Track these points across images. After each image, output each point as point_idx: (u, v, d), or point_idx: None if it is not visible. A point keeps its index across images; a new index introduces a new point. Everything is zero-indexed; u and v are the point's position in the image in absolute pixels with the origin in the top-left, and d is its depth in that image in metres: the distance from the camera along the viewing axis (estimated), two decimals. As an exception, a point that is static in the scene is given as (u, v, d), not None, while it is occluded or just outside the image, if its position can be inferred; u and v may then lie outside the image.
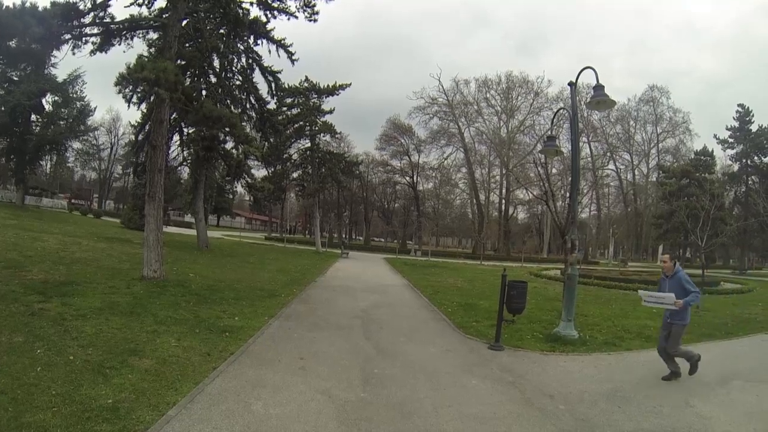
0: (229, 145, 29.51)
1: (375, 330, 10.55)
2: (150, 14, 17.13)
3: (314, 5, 18.76)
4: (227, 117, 14.47)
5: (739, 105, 62.23)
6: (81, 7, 14.25)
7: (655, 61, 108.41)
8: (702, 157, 59.09)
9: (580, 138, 62.47)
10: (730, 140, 62.05)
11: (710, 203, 24.92)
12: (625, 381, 7.67)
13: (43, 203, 56.70)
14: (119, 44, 16.67)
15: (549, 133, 14.89)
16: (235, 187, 62.33)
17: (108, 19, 15.22)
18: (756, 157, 60.39)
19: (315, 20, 18.93)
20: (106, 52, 16.54)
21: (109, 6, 15.05)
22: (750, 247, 62.11)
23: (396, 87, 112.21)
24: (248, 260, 25.00)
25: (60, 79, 44.19)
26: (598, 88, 10.09)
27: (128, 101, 26.85)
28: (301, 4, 18.72)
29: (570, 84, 11.36)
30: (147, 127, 28.04)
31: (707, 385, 7.55)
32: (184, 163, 35.33)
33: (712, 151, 60.64)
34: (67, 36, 14.95)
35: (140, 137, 29.60)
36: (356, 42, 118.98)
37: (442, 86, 67.90)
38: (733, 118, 62.07)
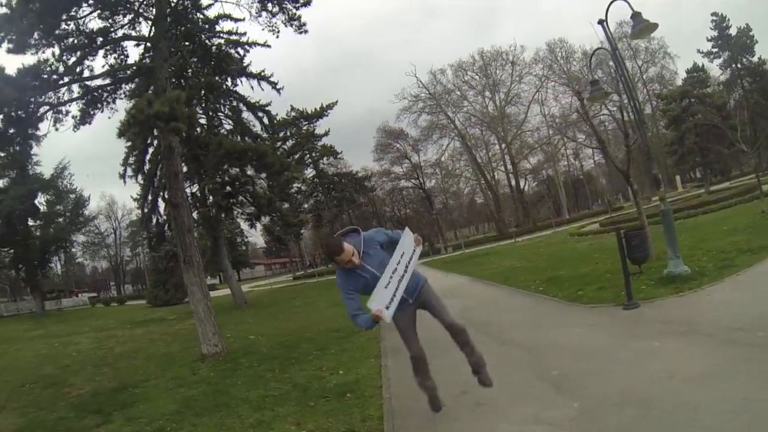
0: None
1: (496, 331, 8.98)
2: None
3: (299, 17, 17.40)
4: (253, 148, 12.74)
5: (712, 14, 62.36)
6: (54, 69, 12.77)
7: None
8: (695, 74, 57.35)
9: (568, 92, 61.56)
10: (714, 50, 62.01)
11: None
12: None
13: (64, 304, 55.40)
14: (102, 110, 15.55)
15: (591, 78, 13.61)
16: (247, 238, 60.38)
17: (87, 73, 13.79)
18: (744, 59, 60.48)
19: (305, 31, 17.66)
20: (90, 123, 15.47)
21: (84, 65, 13.81)
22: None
23: (374, 98, 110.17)
24: (294, 305, 23.09)
25: (47, 175, 43.34)
26: (636, 16, 9.45)
27: (123, 176, 25.55)
28: (287, 18, 17.20)
29: (600, 21, 10.98)
30: (150, 197, 26.56)
31: None
32: (196, 225, 33.52)
33: (703, 65, 58.91)
34: (46, 108, 13.33)
35: (145, 209, 27.77)
36: (320, 67, 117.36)
37: (420, 81, 66.72)
38: (710, 27, 62.03)
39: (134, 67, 14.95)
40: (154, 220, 27.80)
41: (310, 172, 44.48)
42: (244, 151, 12.48)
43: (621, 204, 62.84)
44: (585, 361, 6.21)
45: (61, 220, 44.95)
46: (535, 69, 65.77)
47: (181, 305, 36.00)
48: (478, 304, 13.02)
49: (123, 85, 15.54)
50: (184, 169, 20.86)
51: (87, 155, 79.36)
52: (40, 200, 43.62)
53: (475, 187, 75.99)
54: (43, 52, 12.64)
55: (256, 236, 59.75)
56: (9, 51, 11.63)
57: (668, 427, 4.05)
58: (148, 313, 30.73)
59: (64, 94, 13.83)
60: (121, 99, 15.97)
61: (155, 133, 14.19)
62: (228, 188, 24.76)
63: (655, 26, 9.53)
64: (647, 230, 9.97)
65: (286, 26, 17.60)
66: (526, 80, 66.44)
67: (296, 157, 41.71)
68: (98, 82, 14.50)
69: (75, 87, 14.06)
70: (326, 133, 42.31)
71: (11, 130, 12.67)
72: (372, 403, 6.35)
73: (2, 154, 39.83)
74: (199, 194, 28.59)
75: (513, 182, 70.51)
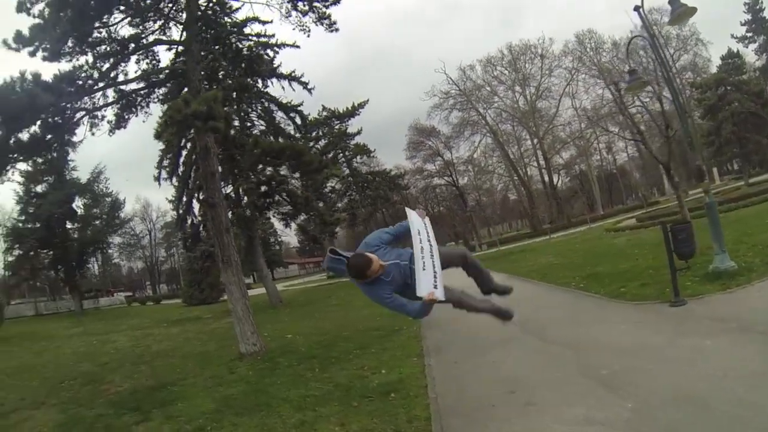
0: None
1: (537, 328, 8.80)
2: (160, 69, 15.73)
3: (329, 15, 17.12)
4: (290, 147, 12.66)
5: (744, -3, 59.53)
6: (89, 74, 12.86)
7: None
8: (730, 60, 54.94)
9: (598, 84, 59.90)
10: (749, 35, 58.49)
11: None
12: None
13: (101, 303, 56.44)
14: (136, 114, 15.59)
15: (628, 68, 13.13)
16: (280, 237, 60.50)
17: (122, 77, 13.79)
18: (781, 42, 57.28)
19: (336, 29, 17.35)
20: (125, 127, 15.50)
21: (118, 70, 13.88)
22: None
23: (403, 97, 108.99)
24: (330, 303, 22.85)
25: (84, 180, 44.93)
26: (674, 1, 9.13)
27: (158, 179, 25.90)
28: (317, 17, 17.04)
29: (636, 8, 10.67)
30: (184, 198, 26.79)
31: None
32: (231, 225, 33.67)
33: (737, 51, 56.33)
34: (82, 113, 13.47)
35: (180, 211, 28.00)
36: (348, 66, 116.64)
37: (450, 78, 65.43)
38: (743, 11, 58.56)
39: (167, 71, 15.00)
40: (189, 221, 28.01)
41: (343, 171, 44.19)
42: (282, 150, 12.38)
43: (656, 198, 61.27)
44: (634, 359, 6.01)
45: (97, 222, 46.06)
46: (565, 61, 63.51)
47: (216, 304, 36.29)
48: (518, 301, 12.66)
49: (156, 89, 15.62)
50: (219, 169, 20.98)
51: (121, 160, 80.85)
52: (78, 204, 45.08)
53: (508, 183, 74.68)
54: (77, 60, 12.77)
55: (289, 236, 59.73)
56: (44, 59, 11.71)
57: (725, 426, 3.93)
58: (183, 312, 31.05)
59: (99, 99, 13.96)
60: (155, 103, 16.14)
61: (191, 133, 14.28)
62: (264, 188, 24.62)
63: (693, 11, 9.22)
64: (690, 225, 9.62)
65: (316, 25, 17.43)
66: (556, 73, 64.43)
67: (329, 156, 41.48)
68: (133, 86, 14.57)
69: (110, 92, 14.18)
70: (359, 132, 42.04)
71: (48, 136, 12.78)
72: (417, 403, 6.19)
73: (40, 161, 41.46)
74: (233, 195, 28.71)
75: (546, 178, 69.14)
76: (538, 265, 19.89)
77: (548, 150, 65.49)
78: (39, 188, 42.87)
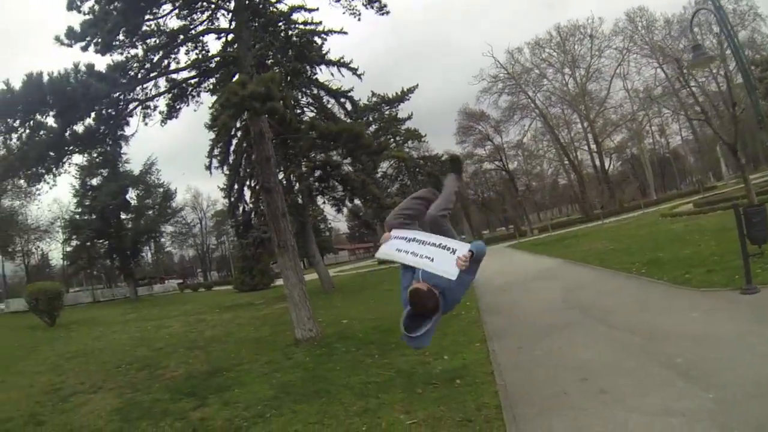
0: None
1: (602, 314, 8.61)
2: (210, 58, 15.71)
3: (380, -1, 16.73)
4: (348, 129, 12.34)
5: (803, -35, 54.61)
6: (140, 64, 13.00)
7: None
8: None
9: (651, 63, 58.19)
10: None
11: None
12: None
13: (155, 290, 57.98)
14: (188, 104, 15.81)
15: (693, 43, 12.22)
16: (330, 223, 60.43)
17: (174, 66, 13.82)
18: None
19: (387, 12, 16.83)
20: (176, 117, 15.72)
21: (169, 59, 13.96)
22: None
23: (449, 84, 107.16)
24: (384, 288, 22.36)
25: (136, 172, 46.66)
26: None
27: (209, 168, 26.07)
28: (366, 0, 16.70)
29: None
30: (236, 186, 26.91)
31: None
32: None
33: None
34: (135, 104, 13.54)
35: (232, 198, 28.14)
36: (395, 52, 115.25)
37: (498, 62, 63.91)
38: None
39: (218, 58, 14.91)
40: (241, 209, 28.15)
41: (406, 152, 43.67)
42: (339, 133, 12.03)
43: (713, 183, 58.36)
44: (710, 349, 5.71)
45: (150, 212, 47.50)
46: (615, 41, 60.98)
47: (267, 290, 36.70)
48: (578, 286, 12.36)
49: (207, 78, 15.65)
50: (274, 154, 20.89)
51: (172, 153, 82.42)
52: (131, 195, 46.60)
53: (558, 168, 72.97)
54: (128, 53, 12.89)
55: (340, 221, 59.62)
56: (96, 52, 11.81)
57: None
58: (235, 298, 31.33)
59: (151, 89, 14.06)
60: (206, 92, 16.21)
61: (244, 119, 14.19)
62: (318, 173, 24.15)
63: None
64: (765, 207, 8.94)
65: (366, 8, 17.17)
66: (607, 54, 62.02)
67: (381, 141, 41.05)
68: (184, 74, 14.59)
69: (161, 82, 14.25)
70: (409, 117, 41.12)
71: (102, 128, 12.86)
72: (485, 390, 5.89)
73: (95, 155, 42.58)
74: (284, 182, 28.66)
75: (597, 162, 67.12)
76: (594, 250, 19.42)
77: (599, 133, 63.36)
78: (94, 181, 44.58)
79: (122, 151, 43.22)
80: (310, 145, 13.68)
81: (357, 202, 31.19)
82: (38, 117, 11.04)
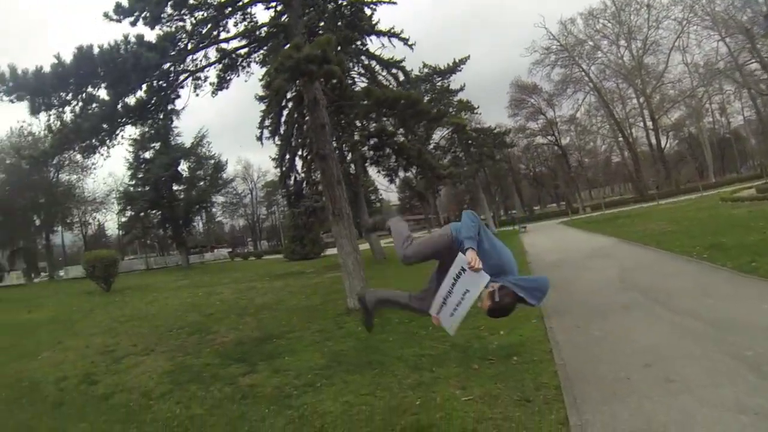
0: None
1: (665, 298, 8.03)
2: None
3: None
4: (406, 95, 12.02)
5: None
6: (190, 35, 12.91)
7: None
8: None
9: (713, 36, 54.70)
10: None
11: None
12: None
13: (206, 258, 59.30)
14: (238, 75, 15.72)
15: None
16: (381, 194, 60.02)
17: (222, 35, 13.62)
18: None
19: None
20: (227, 88, 15.58)
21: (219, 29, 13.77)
22: None
23: (499, 57, 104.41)
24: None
25: (187, 144, 47.99)
26: None
27: (260, 138, 26.18)
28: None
29: None
30: (287, 156, 26.96)
31: None
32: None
33: None
34: (185, 74, 13.51)
35: (283, 168, 28.22)
36: (445, 23, 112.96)
37: (551, 33, 61.82)
38: None
39: (268, 26, 14.72)
40: (292, 179, 28.24)
41: (447, 129, 42.97)
42: (396, 99, 11.73)
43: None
44: None
45: (202, 183, 48.74)
46: (675, 11, 57.08)
47: (317, 259, 36.96)
48: (636, 267, 11.87)
49: (258, 49, 15.49)
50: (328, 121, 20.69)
51: (223, 125, 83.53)
52: (183, 167, 48.01)
53: (612, 144, 69.71)
54: (177, 26, 12.82)
55: (391, 192, 58.98)
56: (145, 25, 11.75)
57: None
58: (285, 267, 31.65)
59: (201, 60, 13.94)
60: (256, 63, 16.10)
61: (299, 85, 14.02)
62: (374, 140, 23.45)
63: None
64: None
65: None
66: (665, 25, 58.25)
67: (439, 108, 40.36)
68: (234, 44, 14.44)
69: (211, 53, 14.13)
70: (461, 88, 40.25)
71: (154, 99, 12.88)
72: (543, 369, 5.59)
73: (146, 129, 43.95)
74: (337, 151, 28.48)
75: (653, 140, 64.57)
76: (650, 231, 18.78)
77: (656, 109, 60.79)
78: (147, 155, 46.15)
79: (173, 125, 44.99)
80: (365, 112, 13.39)
81: (409, 173, 30.84)
82: (90, 89, 11.07)
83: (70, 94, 10.79)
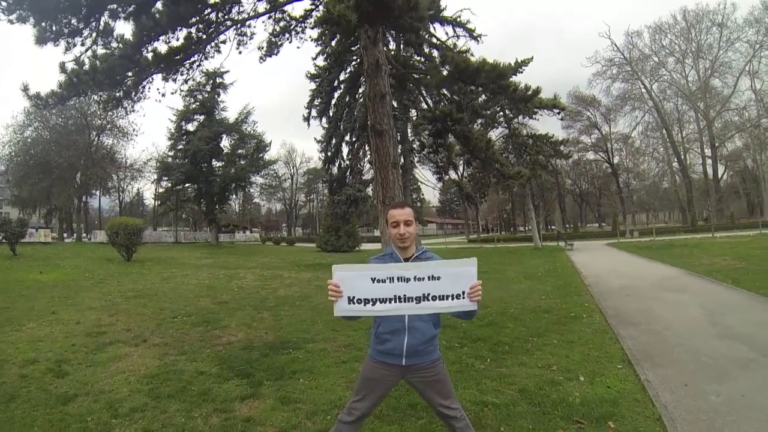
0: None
1: None
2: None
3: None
4: (490, 66, 10.37)
5: None
6: None
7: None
8: None
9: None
10: None
11: None
12: None
13: (237, 238, 58.73)
14: (290, 40, 14.72)
15: None
16: (422, 194, 58.19)
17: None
18: None
19: None
20: (277, 54, 14.79)
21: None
22: None
23: (557, 66, 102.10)
24: (480, 270, 19.76)
25: (232, 120, 47.84)
26: None
27: (307, 119, 25.29)
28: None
29: None
30: (334, 140, 25.69)
31: None
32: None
33: None
34: (228, 24, 12.08)
35: (329, 153, 26.91)
36: (504, 28, 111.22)
37: (615, 44, 60.39)
38: None
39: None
40: (337, 165, 26.99)
41: (501, 131, 40.81)
42: (478, 71, 10.11)
43: None
44: None
45: (242, 161, 47.90)
46: (748, 33, 53.43)
47: (352, 253, 35.56)
48: (721, 308, 9.61)
49: (311, 12, 14.23)
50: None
51: (267, 108, 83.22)
52: (225, 143, 48.11)
53: (664, 169, 65.10)
54: None
55: (432, 192, 57.16)
56: None
57: None
58: (317, 258, 30.22)
59: (249, 9, 12.60)
60: (311, 29, 15.12)
61: (355, 58, 12.52)
62: (438, 125, 21.17)
63: None
64: None
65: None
66: (737, 47, 54.81)
67: (488, 113, 38.06)
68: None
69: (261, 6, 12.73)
70: (538, 91, 38.29)
71: (193, 46, 11.45)
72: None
73: (192, 101, 43.97)
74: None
75: (709, 168, 60.17)
76: (717, 266, 16.66)
77: (717, 136, 56.83)
78: (190, 126, 46.17)
79: (220, 99, 45.01)
80: (441, 81, 11.67)
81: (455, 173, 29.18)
82: (106, 18, 9.59)
83: (82, 23, 9.28)
